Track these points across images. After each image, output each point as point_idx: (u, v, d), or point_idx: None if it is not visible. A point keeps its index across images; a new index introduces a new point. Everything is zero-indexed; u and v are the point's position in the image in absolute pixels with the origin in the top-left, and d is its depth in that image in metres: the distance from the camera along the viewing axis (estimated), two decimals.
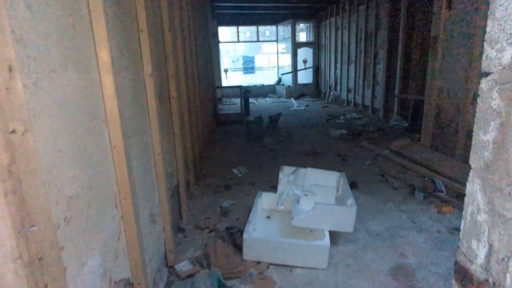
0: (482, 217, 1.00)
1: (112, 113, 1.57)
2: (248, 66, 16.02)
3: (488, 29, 0.96)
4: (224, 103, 12.62)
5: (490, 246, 0.97)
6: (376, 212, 3.49)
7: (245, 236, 2.61)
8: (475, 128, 1.02)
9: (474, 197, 1.03)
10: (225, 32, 14.18)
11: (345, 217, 2.73)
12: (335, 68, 11.92)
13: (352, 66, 10.42)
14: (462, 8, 4.37)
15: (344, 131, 6.86)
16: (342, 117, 9.01)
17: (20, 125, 0.85)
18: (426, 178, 3.99)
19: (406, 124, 7.03)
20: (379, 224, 3.23)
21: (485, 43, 0.98)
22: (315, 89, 14.04)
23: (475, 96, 4.40)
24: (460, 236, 1.11)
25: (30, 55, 1.02)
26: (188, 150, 3.84)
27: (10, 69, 0.85)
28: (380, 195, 3.90)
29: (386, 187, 4.14)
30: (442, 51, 4.79)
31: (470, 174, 1.06)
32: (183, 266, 2.57)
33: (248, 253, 2.64)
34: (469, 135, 4.32)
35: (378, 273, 2.55)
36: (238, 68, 15.92)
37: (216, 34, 12.55)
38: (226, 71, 14.54)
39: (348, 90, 10.86)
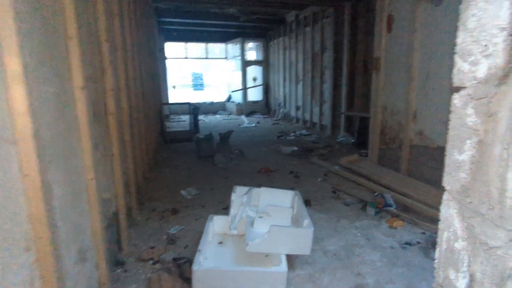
0: (460, 245, 0.90)
1: (24, 133, 1.26)
2: (197, 83, 15.75)
3: (459, 41, 0.88)
4: (172, 120, 12.16)
5: (471, 277, 0.87)
6: (331, 230, 3.42)
7: (194, 267, 2.34)
8: (448, 147, 0.93)
9: (450, 223, 0.94)
10: (172, 48, 13.85)
11: (302, 239, 2.59)
12: (284, 86, 12.19)
13: (300, 85, 10.73)
14: (400, 30, 4.67)
15: (295, 148, 6.89)
16: (292, 134, 9.13)
17: None
18: (376, 193, 4.07)
19: (353, 140, 7.30)
20: (334, 243, 3.16)
21: (456, 56, 0.91)
22: (265, 107, 14.20)
23: (416, 114, 4.69)
24: (435, 265, 1.01)
25: None
26: (129, 172, 3.48)
27: None
28: (334, 212, 3.87)
29: (338, 203, 4.14)
30: (384, 71, 5.06)
31: (445, 197, 0.97)
32: None
33: (199, 286, 2.36)
34: (411, 149, 4.54)
35: None
36: (187, 85, 15.58)
37: (162, 49, 12.18)
38: (174, 87, 14.12)
39: (297, 108, 11.12)
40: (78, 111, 1.93)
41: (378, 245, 3.11)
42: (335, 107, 8.69)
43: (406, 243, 3.11)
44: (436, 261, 0.99)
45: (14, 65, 1.23)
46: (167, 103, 11.62)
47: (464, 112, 0.87)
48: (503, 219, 0.76)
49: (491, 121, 0.80)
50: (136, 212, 3.64)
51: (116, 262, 2.77)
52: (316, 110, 9.68)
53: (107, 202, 2.54)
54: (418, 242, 3.13)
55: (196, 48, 14.49)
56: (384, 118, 5.15)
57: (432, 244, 2.90)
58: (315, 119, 9.81)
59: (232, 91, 14.72)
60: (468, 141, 0.86)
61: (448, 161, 0.93)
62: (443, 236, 0.95)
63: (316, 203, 4.13)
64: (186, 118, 11.27)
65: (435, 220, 3.36)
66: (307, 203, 4.03)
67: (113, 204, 2.76)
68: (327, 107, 9.07)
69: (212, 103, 14.84)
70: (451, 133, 0.91)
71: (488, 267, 0.80)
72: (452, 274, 0.92)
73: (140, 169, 4.28)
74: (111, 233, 2.67)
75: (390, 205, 3.76)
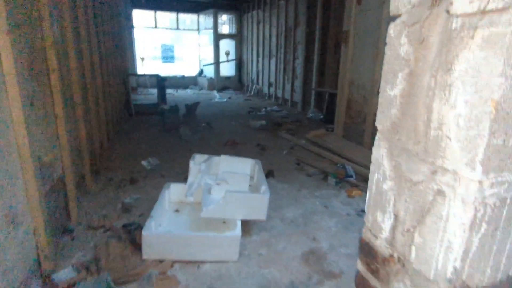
0: (387, 185, 0.86)
1: None
2: (168, 55, 15.10)
3: None
4: (140, 93, 11.67)
5: (396, 216, 0.83)
6: (291, 199, 3.43)
7: (144, 233, 2.25)
8: (382, 83, 0.87)
9: (380, 163, 0.89)
10: (141, 17, 13.10)
11: (258, 205, 2.56)
12: (257, 61, 11.96)
13: (273, 60, 10.55)
14: (370, 3, 4.60)
15: (264, 122, 6.83)
16: (264, 109, 9.04)
17: None
18: (338, 165, 4.11)
19: (322, 116, 7.33)
20: (293, 211, 3.17)
21: None
22: (238, 82, 13.94)
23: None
24: (366, 210, 0.97)
25: None
26: (82, 138, 3.27)
27: None
28: (296, 182, 3.88)
29: (301, 174, 4.15)
30: (353, 45, 5.01)
31: (376, 138, 0.91)
32: (64, 275, 2.10)
33: (149, 252, 2.28)
34: (375, 123, 4.59)
35: (290, 259, 2.44)
36: (156, 57, 14.89)
37: (130, 17, 11.49)
38: (142, 59, 13.49)
39: (270, 84, 10.99)
40: (3, 58, 1.71)
41: (336, 213, 3.15)
42: (306, 83, 8.65)
43: (362, 211, 3.17)
44: (366, 205, 0.95)
45: None
46: (134, 74, 11.11)
47: (398, 42, 0.80)
48: (427, 153, 0.72)
49: (422, 49, 0.73)
50: (90, 180, 3.46)
51: (63, 230, 2.62)
52: (288, 86, 9.60)
53: (48, 165, 2.36)
54: None
55: (166, 18, 13.77)
56: (351, 93, 5.16)
57: None
58: (287, 95, 9.75)
59: (204, 65, 14.27)
60: (400, 74, 0.79)
61: (381, 99, 0.87)
62: (374, 179, 0.91)
63: (279, 175, 4.12)
64: (155, 91, 10.86)
65: None
66: (270, 173, 4.01)
67: (57, 169, 2.57)
68: (298, 84, 9.01)
69: (183, 77, 14.34)
70: (385, 67, 0.85)
71: (410, 204, 0.76)
72: (379, 216, 0.88)
73: (97, 137, 4.05)
74: (56, 199, 2.51)
75: (351, 176, 3.81)
